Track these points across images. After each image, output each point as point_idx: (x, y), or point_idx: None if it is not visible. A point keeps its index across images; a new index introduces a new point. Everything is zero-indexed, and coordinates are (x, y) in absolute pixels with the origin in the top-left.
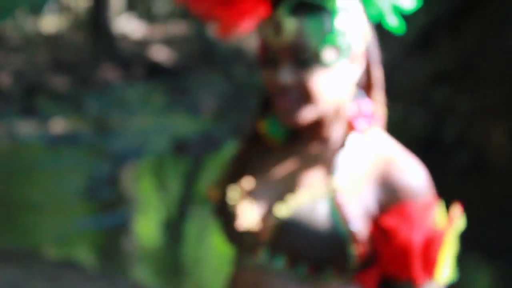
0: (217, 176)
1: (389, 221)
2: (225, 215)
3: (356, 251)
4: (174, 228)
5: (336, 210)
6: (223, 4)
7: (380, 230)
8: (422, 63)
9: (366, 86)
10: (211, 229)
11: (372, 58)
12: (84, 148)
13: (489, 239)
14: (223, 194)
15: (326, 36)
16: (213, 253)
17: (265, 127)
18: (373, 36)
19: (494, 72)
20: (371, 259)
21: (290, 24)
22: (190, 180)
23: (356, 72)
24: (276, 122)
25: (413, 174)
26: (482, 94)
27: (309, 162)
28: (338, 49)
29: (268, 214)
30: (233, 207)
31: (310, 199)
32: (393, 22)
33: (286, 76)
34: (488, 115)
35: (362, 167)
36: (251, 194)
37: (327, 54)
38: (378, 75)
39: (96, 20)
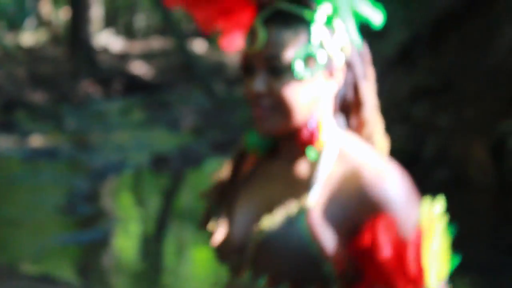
0: (203, 192)
1: (366, 237)
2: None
3: (333, 269)
4: (153, 243)
5: (307, 229)
6: (223, 13)
7: (357, 247)
8: (402, 79)
9: (354, 104)
10: (190, 244)
11: (357, 73)
12: (63, 163)
13: (469, 255)
14: (209, 210)
15: (301, 47)
16: (192, 268)
17: (246, 139)
18: (360, 52)
19: (473, 88)
20: (356, 276)
21: (262, 34)
22: (169, 195)
23: (333, 86)
24: (255, 133)
25: (386, 184)
26: (461, 110)
27: (288, 178)
28: (314, 61)
29: (248, 234)
30: (212, 226)
31: (284, 218)
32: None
33: (259, 84)
34: (467, 131)
35: (337, 182)
36: (232, 213)
37: (301, 65)
38: (366, 92)
39: (76, 35)
